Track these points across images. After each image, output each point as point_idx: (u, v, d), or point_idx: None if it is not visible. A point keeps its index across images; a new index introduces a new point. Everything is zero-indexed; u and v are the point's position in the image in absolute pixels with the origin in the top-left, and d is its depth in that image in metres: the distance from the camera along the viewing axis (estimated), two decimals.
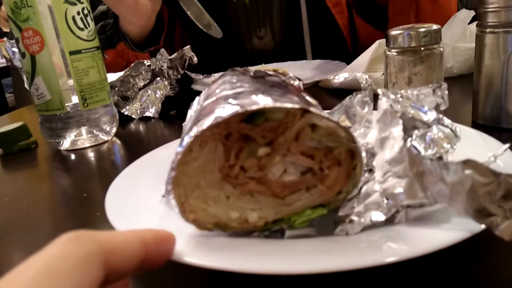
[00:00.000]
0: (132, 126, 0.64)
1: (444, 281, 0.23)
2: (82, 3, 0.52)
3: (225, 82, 0.29)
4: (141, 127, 0.63)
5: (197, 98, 0.33)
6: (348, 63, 0.73)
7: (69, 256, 0.16)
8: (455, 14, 0.67)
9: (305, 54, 0.94)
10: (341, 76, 0.66)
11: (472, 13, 0.65)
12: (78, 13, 0.51)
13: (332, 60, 0.87)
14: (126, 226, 0.27)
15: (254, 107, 0.22)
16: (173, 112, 0.67)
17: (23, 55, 0.51)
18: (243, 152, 0.24)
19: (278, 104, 0.23)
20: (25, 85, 0.62)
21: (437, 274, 0.24)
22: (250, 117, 0.23)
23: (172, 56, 0.70)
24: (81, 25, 0.52)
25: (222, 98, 0.25)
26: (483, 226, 0.21)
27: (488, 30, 0.43)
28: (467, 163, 0.21)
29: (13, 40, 0.60)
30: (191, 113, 0.32)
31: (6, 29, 3.96)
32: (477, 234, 0.22)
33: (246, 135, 0.24)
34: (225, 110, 0.23)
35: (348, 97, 0.37)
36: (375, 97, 0.32)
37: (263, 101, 0.23)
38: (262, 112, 0.23)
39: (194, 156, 0.24)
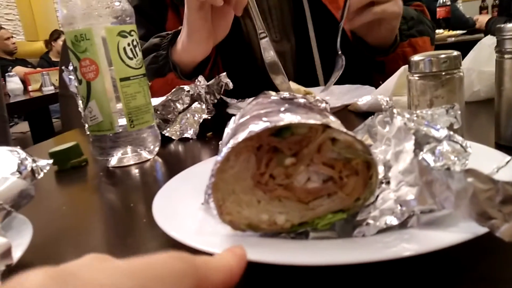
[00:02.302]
0: (172, 146, 0.69)
1: (453, 279, 0.26)
2: (132, 35, 0.58)
3: (258, 103, 0.33)
4: (180, 147, 0.68)
5: (233, 118, 0.37)
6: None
7: (167, 267, 0.18)
8: (480, 41, 0.69)
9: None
10: (364, 99, 0.70)
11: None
12: (129, 45, 0.57)
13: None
14: (171, 227, 0.31)
15: (282, 123, 0.26)
16: (210, 134, 0.72)
17: (80, 81, 0.58)
18: (272, 161, 0.28)
19: (302, 121, 0.27)
20: (79, 109, 0.69)
21: (446, 273, 0.26)
22: (279, 132, 0.27)
23: (210, 82, 0.75)
24: (131, 55, 0.58)
25: (255, 116, 0.29)
26: (486, 229, 0.24)
27: (506, 56, 0.45)
28: (469, 171, 0.24)
29: (71, 69, 0.68)
30: (227, 130, 0.36)
31: (55, 59, 4.26)
32: (483, 236, 0.24)
33: (275, 147, 0.28)
34: (257, 126, 0.27)
35: (370, 118, 0.40)
36: None
37: (289, 118, 0.27)
38: (289, 127, 0.27)
39: (231, 164, 0.28)
